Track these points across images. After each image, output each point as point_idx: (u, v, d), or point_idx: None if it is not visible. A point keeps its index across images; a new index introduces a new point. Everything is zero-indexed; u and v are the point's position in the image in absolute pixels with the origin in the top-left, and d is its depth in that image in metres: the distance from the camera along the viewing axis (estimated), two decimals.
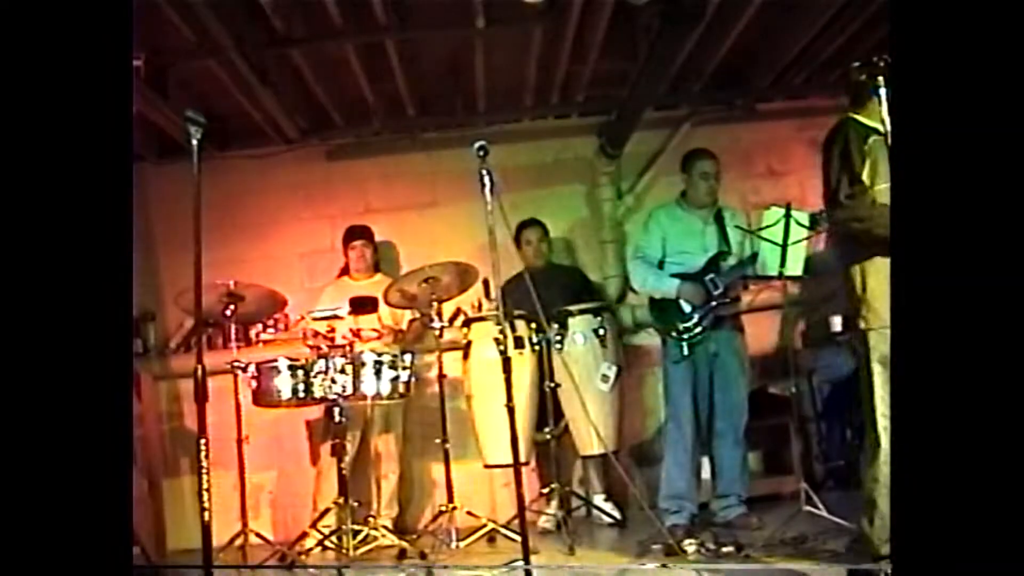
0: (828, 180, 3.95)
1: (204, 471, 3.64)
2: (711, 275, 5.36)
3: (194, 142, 3.70)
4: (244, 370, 5.35)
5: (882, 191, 3.78)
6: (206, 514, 3.61)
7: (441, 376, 5.55)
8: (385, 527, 5.54)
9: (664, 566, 4.22)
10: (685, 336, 5.37)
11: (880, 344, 3.78)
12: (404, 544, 5.23)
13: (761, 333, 5.96)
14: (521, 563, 3.97)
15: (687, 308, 5.38)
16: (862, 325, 3.84)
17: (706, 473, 5.66)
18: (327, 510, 5.48)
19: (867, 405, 3.83)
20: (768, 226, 5.14)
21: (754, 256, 5.32)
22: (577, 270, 6.81)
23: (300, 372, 5.30)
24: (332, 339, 5.31)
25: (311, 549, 5.43)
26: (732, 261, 5.41)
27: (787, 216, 5.10)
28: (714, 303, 5.34)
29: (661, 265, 5.54)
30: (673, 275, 5.46)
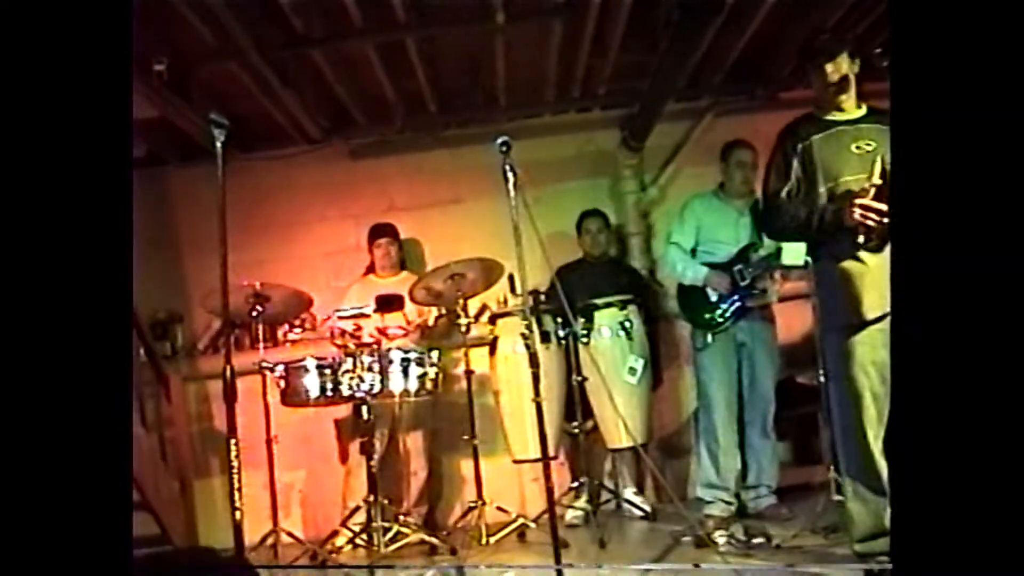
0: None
1: (235, 471, 3.67)
2: (739, 266, 5.38)
3: (218, 144, 3.73)
4: (272, 370, 5.38)
5: (832, 188, 3.79)
6: (237, 514, 3.63)
7: (468, 372, 5.55)
8: (415, 524, 5.56)
9: (697, 566, 4.20)
10: (710, 324, 5.40)
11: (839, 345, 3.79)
12: (434, 540, 5.25)
13: (788, 323, 5.93)
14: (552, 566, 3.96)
15: (713, 297, 5.41)
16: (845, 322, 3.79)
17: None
18: (357, 508, 5.50)
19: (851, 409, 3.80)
20: None
21: (779, 249, 5.32)
22: (630, 267, 6.81)
23: (328, 371, 5.32)
24: (359, 337, 5.33)
25: (342, 547, 5.46)
26: (762, 253, 5.41)
27: None
28: (740, 293, 5.35)
29: (693, 253, 5.57)
30: (703, 264, 5.48)
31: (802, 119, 3.98)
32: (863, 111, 3.87)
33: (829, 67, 3.81)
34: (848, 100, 3.86)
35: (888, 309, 3.52)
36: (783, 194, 3.89)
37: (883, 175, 3.54)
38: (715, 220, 5.61)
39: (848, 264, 3.71)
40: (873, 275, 3.63)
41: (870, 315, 3.64)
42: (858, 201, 3.56)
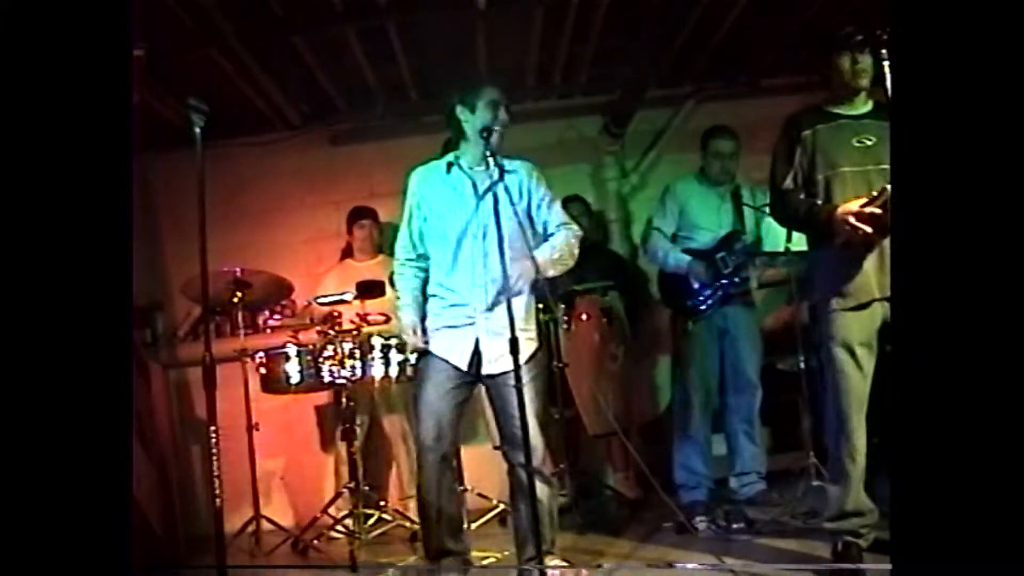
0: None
1: (215, 458, 3.66)
2: (722, 253, 5.36)
3: (197, 130, 3.70)
4: (252, 357, 5.37)
5: (829, 177, 3.80)
6: (218, 501, 3.63)
7: None
8: (396, 511, 5.56)
9: (670, 565, 4.22)
10: (692, 311, 5.38)
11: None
12: (416, 527, 5.24)
13: (768, 309, 5.95)
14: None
15: (695, 284, 5.38)
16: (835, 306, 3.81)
17: (719, 450, 5.66)
18: (339, 495, 5.50)
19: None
20: None
21: (760, 237, 5.34)
22: (612, 252, 6.79)
23: (308, 357, 5.31)
24: (340, 324, 5.32)
25: (323, 535, 5.46)
26: (744, 241, 5.40)
27: None
28: (723, 281, 5.34)
29: (674, 239, 5.54)
30: (685, 251, 5.45)
31: (807, 110, 4.02)
32: (869, 107, 3.88)
33: (846, 62, 3.82)
34: (860, 95, 3.87)
35: (876, 295, 3.63)
36: (788, 181, 3.91)
37: (879, 193, 3.55)
38: (697, 205, 5.59)
39: (841, 250, 3.73)
40: (863, 262, 3.67)
41: (859, 300, 3.67)
42: (849, 218, 3.58)
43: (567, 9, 5.51)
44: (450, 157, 4.13)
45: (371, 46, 5.83)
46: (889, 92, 3.19)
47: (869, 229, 3.54)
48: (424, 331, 4.01)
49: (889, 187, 3.49)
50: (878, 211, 3.51)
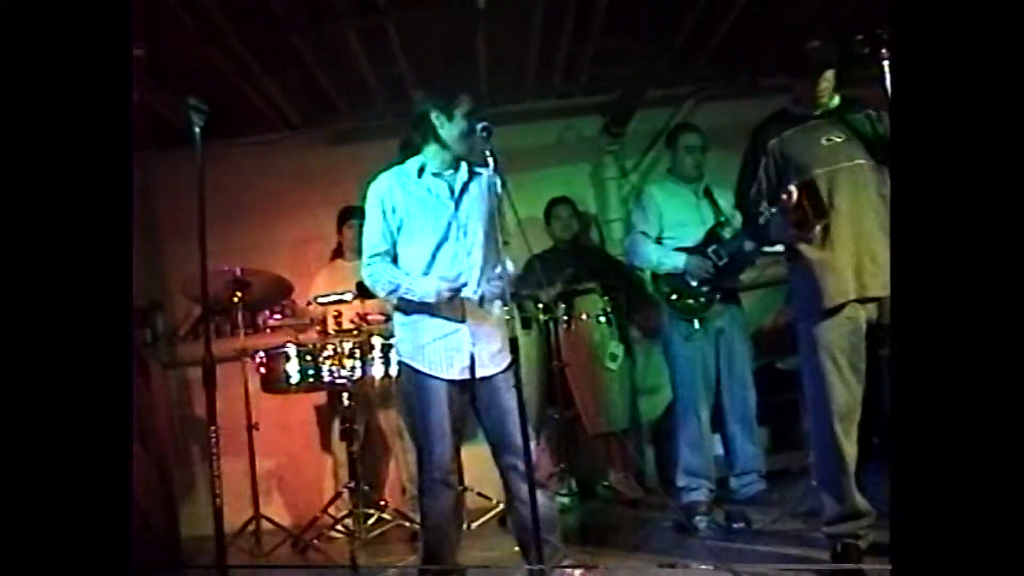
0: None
1: (215, 458, 3.67)
2: (714, 246, 5.33)
3: (197, 130, 3.70)
4: (252, 357, 5.37)
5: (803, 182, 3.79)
6: (218, 501, 3.63)
7: None
8: (396, 511, 5.56)
9: (671, 565, 4.22)
10: (695, 310, 5.34)
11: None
12: (416, 527, 5.25)
13: (767, 308, 5.94)
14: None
15: (693, 283, 5.35)
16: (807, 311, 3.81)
17: (719, 451, 5.65)
18: (338, 494, 5.50)
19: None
20: None
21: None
22: (608, 254, 6.78)
23: (308, 357, 5.30)
24: (339, 323, 5.31)
25: (323, 535, 5.46)
26: (730, 231, 5.37)
27: None
28: (721, 274, 5.30)
29: (659, 241, 5.51)
30: (676, 249, 5.43)
31: (773, 116, 3.99)
32: (836, 102, 3.88)
33: (813, 77, 3.82)
34: (828, 97, 3.87)
35: (852, 297, 3.64)
36: (753, 191, 3.91)
37: (801, 195, 3.59)
38: (676, 205, 5.54)
39: (814, 253, 3.73)
40: (838, 264, 3.67)
41: (835, 302, 3.67)
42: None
43: (567, 9, 5.51)
44: (419, 162, 4.07)
45: (371, 46, 5.83)
46: (889, 92, 3.17)
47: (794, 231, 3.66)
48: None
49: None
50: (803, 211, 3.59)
